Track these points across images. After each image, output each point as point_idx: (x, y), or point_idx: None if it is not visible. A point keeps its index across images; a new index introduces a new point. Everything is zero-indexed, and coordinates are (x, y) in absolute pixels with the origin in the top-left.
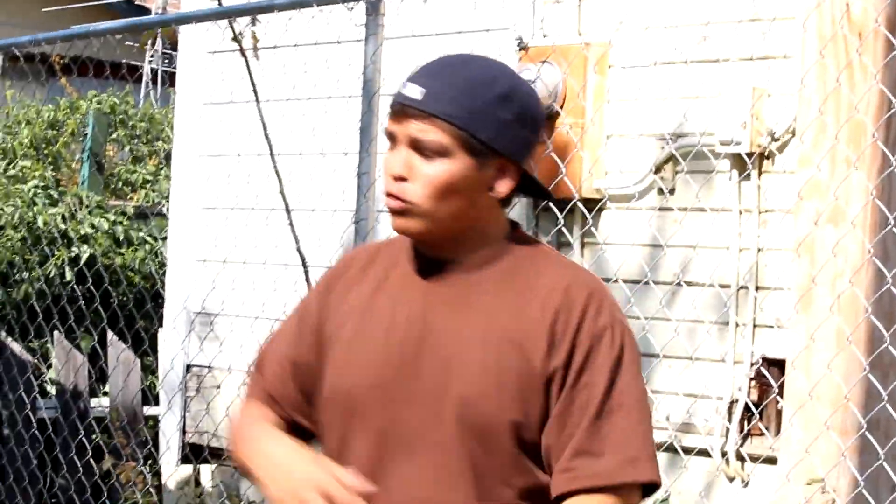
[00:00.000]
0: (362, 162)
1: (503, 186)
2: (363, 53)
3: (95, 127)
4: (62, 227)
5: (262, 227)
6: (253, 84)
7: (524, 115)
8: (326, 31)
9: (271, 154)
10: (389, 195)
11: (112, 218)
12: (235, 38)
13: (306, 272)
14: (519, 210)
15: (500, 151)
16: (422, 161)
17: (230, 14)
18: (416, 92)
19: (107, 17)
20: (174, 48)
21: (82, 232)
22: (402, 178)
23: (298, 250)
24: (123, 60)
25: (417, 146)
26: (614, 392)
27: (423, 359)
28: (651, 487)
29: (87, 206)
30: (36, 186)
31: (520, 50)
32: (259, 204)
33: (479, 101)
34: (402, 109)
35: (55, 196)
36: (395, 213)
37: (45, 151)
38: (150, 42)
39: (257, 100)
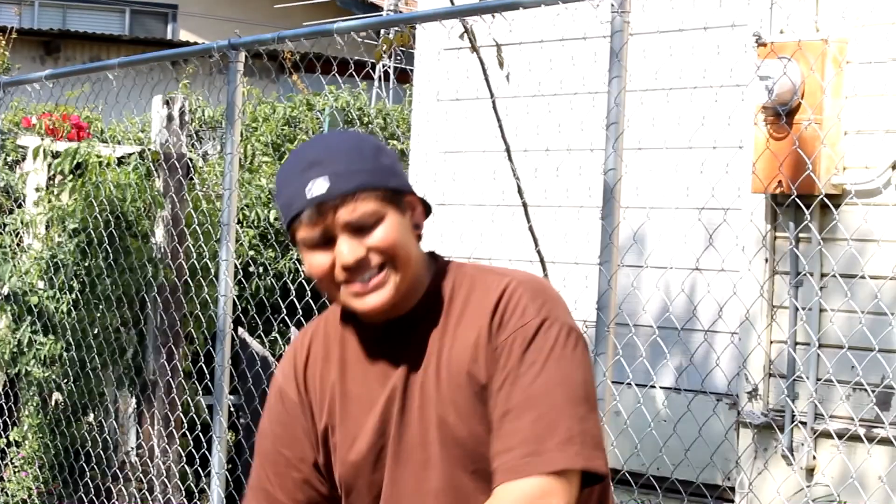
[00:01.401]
0: (608, 158)
1: (420, 220)
2: (608, 49)
3: (330, 124)
4: None
5: (507, 224)
6: (487, 81)
7: (391, 154)
8: (572, 27)
9: (507, 151)
10: (355, 281)
11: None
12: (470, 39)
13: (545, 271)
14: (759, 205)
15: (405, 191)
16: (365, 236)
17: (475, 12)
18: (322, 186)
19: (336, 15)
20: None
21: None
22: (361, 259)
23: (538, 251)
24: (354, 58)
25: (355, 227)
26: (518, 385)
27: (402, 416)
28: (594, 475)
29: None
30: (272, 183)
31: (758, 45)
32: (505, 200)
33: (368, 161)
34: (319, 207)
35: None
36: (370, 292)
37: (282, 149)
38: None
39: (492, 97)
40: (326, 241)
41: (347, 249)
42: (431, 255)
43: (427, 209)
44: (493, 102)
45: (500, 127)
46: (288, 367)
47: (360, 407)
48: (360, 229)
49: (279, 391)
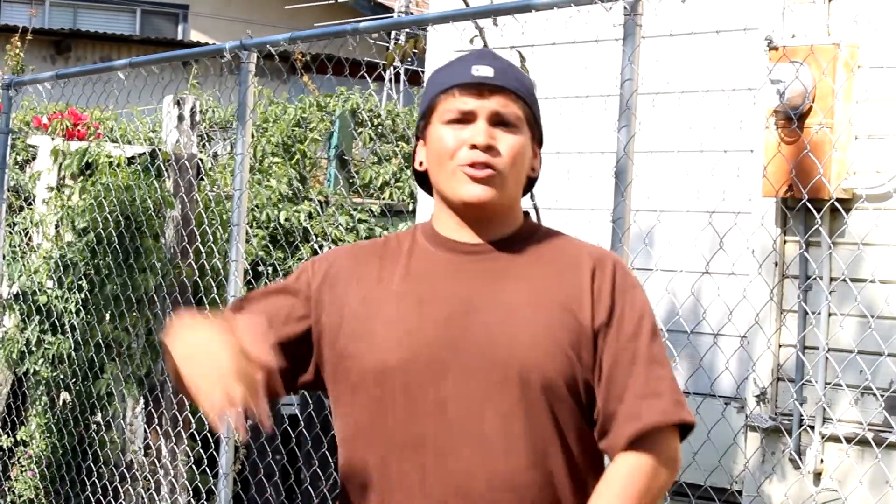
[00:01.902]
0: (619, 161)
1: (537, 166)
2: (621, 53)
3: (341, 126)
4: (306, 225)
5: None
6: None
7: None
8: (584, 30)
9: None
10: (476, 164)
11: (357, 216)
12: (483, 41)
13: None
14: (770, 209)
15: (541, 133)
16: (500, 132)
17: (487, 14)
18: (488, 71)
19: (347, 16)
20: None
21: (327, 230)
22: (490, 148)
23: None
24: (365, 59)
25: (497, 120)
26: (653, 344)
27: (473, 331)
28: (687, 431)
29: (332, 205)
30: (282, 184)
31: (770, 49)
32: None
33: (527, 85)
34: (479, 86)
35: (301, 194)
36: (480, 181)
37: (292, 149)
38: (393, 40)
39: None
40: (461, 122)
41: (485, 133)
42: (525, 211)
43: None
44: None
45: None
46: (328, 254)
47: (419, 311)
48: (499, 125)
49: (304, 266)
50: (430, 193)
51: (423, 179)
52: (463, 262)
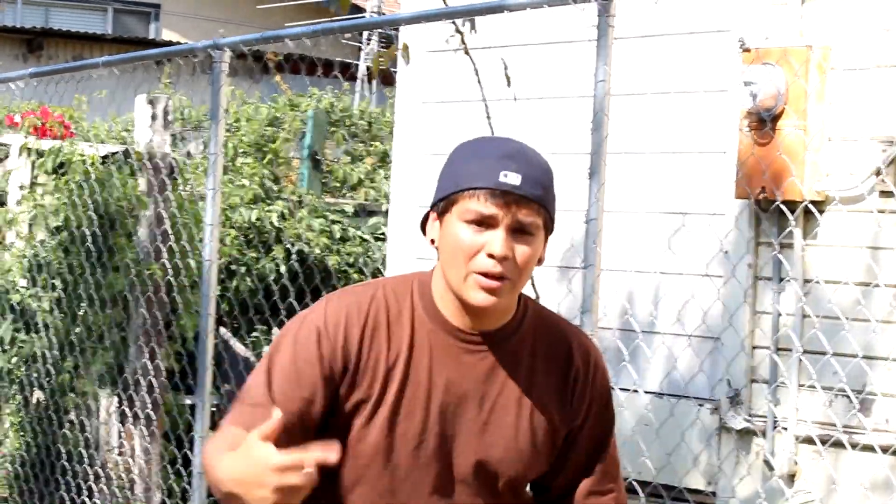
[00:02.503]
0: (592, 162)
1: (544, 256)
2: (594, 54)
3: (315, 124)
4: (278, 225)
5: None
6: (480, 84)
7: None
8: (558, 31)
9: None
10: (490, 276)
11: (331, 217)
12: (462, 41)
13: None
14: (743, 211)
15: (553, 223)
16: (516, 243)
17: (459, 14)
18: (516, 179)
19: (318, 16)
20: (387, 46)
21: (299, 231)
22: (506, 259)
23: None
24: (337, 59)
25: (516, 230)
26: (612, 440)
27: (459, 428)
28: None
29: (305, 206)
30: (254, 184)
31: (742, 51)
32: None
33: (550, 184)
34: (505, 195)
35: (273, 194)
36: (490, 291)
37: (264, 149)
38: (365, 40)
39: (484, 100)
40: (481, 224)
41: (504, 245)
42: None
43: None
44: (486, 105)
45: (491, 128)
46: (337, 316)
47: (416, 398)
48: (517, 232)
49: (317, 331)
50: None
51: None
52: (460, 351)
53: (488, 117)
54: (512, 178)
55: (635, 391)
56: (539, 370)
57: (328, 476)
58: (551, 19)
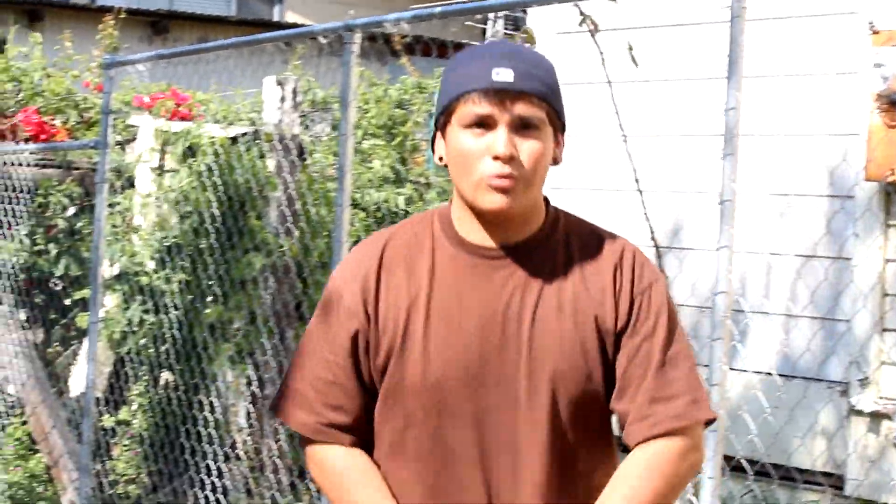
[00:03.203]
0: (728, 143)
1: (559, 157)
2: (728, 35)
3: None
4: (405, 208)
5: (625, 208)
6: (604, 66)
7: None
8: (689, 13)
9: (623, 136)
10: (499, 176)
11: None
12: (592, 23)
13: (659, 257)
14: (874, 193)
15: (563, 124)
16: (520, 139)
17: None
18: (508, 75)
19: None
20: (516, 28)
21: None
22: (511, 158)
23: (653, 238)
24: (464, 41)
25: (518, 125)
26: (669, 344)
27: (505, 341)
28: (709, 423)
29: (433, 188)
30: (384, 166)
31: (872, 33)
32: (620, 185)
33: (549, 78)
34: (499, 92)
35: (402, 176)
36: (502, 191)
37: (392, 131)
38: (491, 22)
39: (609, 82)
40: (481, 126)
41: (506, 142)
42: (545, 197)
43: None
44: (611, 86)
45: (616, 110)
46: (351, 270)
47: (448, 323)
48: (520, 129)
49: (335, 292)
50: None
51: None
52: (487, 268)
53: (613, 99)
54: (504, 75)
55: (768, 374)
56: (576, 278)
57: (380, 428)
58: (681, 1)
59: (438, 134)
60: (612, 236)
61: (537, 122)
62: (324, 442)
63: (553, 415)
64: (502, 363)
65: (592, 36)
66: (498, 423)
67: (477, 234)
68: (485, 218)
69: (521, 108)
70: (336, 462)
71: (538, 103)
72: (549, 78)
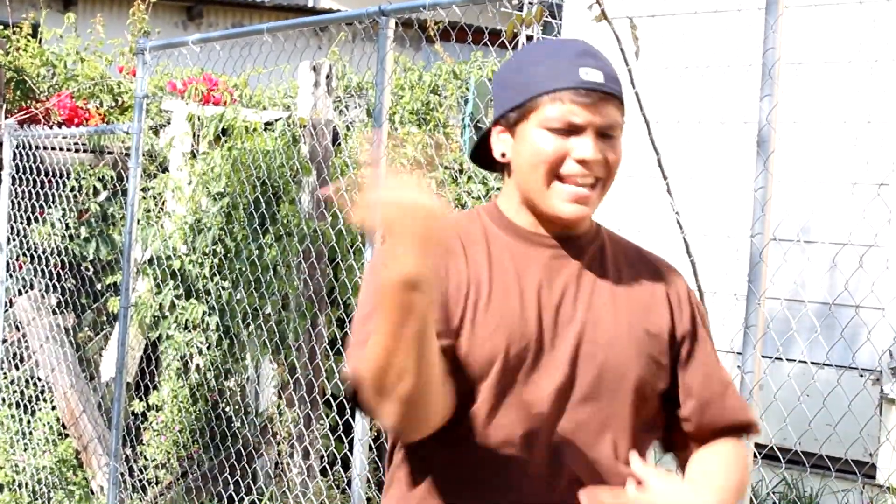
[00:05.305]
0: (761, 130)
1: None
2: (763, 22)
3: (479, 93)
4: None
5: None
6: (622, 51)
7: None
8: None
9: (647, 124)
10: (581, 184)
11: (490, 184)
12: (602, 9)
13: (687, 247)
14: None
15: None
16: (604, 145)
17: None
18: (598, 76)
19: None
20: (553, 16)
21: (464, 199)
22: (599, 162)
23: (678, 222)
24: (499, 27)
25: (603, 131)
26: (713, 351)
27: (559, 328)
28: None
29: (466, 173)
30: (418, 151)
31: None
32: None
33: (620, 82)
34: (591, 93)
35: (436, 161)
36: (581, 201)
37: (426, 117)
38: (527, 6)
39: (627, 64)
40: (565, 131)
41: (595, 147)
42: None
43: None
44: (630, 74)
45: (638, 99)
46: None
47: (506, 305)
48: (604, 135)
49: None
50: (489, 169)
51: (486, 162)
52: (546, 257)
53: (632, 83)
54: (594, 75)
55: (802, 362)
56: (624, 276)
57: (465, 420)
58: None
59: (497, 129)
60: (643, 248)
61: (617, 129)
62: None
63: (612, 404)
64: (551, 350)
65: (606, 19)
66: (545, 410)
67: (533, 227)
68: (553, 222)
69: (609, 112)
70: None
71: (620, 108)
72: (620, 83)
